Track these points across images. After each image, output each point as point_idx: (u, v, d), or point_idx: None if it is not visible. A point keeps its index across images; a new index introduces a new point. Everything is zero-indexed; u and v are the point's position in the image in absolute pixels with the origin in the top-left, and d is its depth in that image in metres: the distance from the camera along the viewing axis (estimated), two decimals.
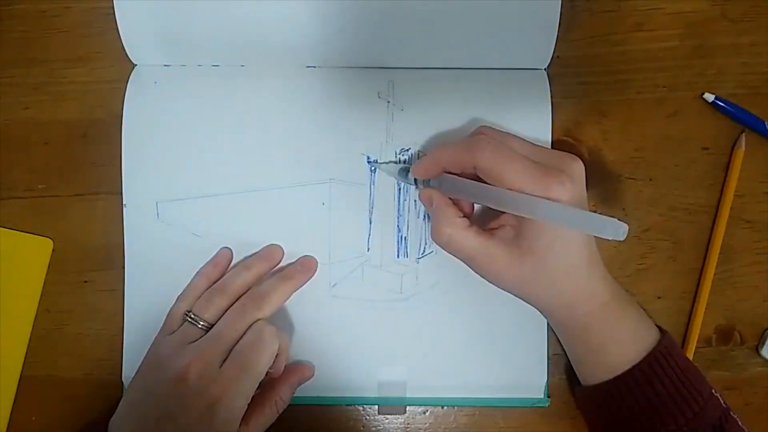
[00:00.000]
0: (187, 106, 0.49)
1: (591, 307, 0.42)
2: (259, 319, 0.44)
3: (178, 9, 0.47)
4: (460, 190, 0.42)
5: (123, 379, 0.49)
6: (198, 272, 0.48)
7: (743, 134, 0.50)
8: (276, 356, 0.44)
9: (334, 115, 0.49)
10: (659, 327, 0.44)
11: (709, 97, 0.50)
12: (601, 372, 0.43)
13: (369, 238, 0.49)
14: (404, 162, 0.48)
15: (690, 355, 0.49)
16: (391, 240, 0.49)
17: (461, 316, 0.48)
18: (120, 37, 0.48)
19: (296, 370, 0.47)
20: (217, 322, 0.44)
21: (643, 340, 0.43)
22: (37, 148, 0.51)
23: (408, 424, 0.50)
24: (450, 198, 0.44)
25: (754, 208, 0.50)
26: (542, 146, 0.43)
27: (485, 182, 0.41)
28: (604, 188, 0.50)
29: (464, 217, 0.43)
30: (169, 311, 0.46)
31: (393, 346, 0.49)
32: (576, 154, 0.50)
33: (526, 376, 0.49)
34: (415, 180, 0.46)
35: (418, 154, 0.48)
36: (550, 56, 0.49)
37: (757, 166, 0.50)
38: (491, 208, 0.42)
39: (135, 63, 0.50)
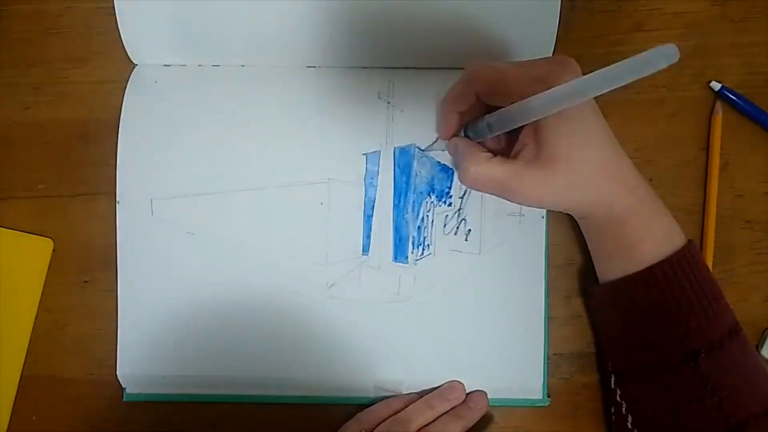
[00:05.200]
0: (186, 105, 0.49)
1: (629, 201, 0.42)
2: None
3: (179, 9, 0.48)
4: (499, 121, 0.42)
5: (118, 377, 0.49)
6: (383, 401, 0.48)
7: (717, 102, 0.50)
8: None
9: (334, 115, 0.49)
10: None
11: (716, 85, 0.50)
12: (631, 267, 0.43)
13: (367, 239, 0.49)
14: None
15: None
16: (389, 241, 0.49)
17: (459, 317, 0.48)
18: (120, 37, 0.48)
19: None
20: None
21: (674, 241, 0.43)
22: (37, 148, 0.51)
23: None
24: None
25: (754, 208, 0.50)
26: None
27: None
28: None
29: (487, 152, 0.43)
30: (344, 426, 0.47)
31: (390, 347, 0.49)
32: None
33: (523, 378, 0.49)
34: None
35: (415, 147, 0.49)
36: (550, 56, 0.48)
37: (758, 165, 0.50)
38: (507, 137, 0.43)
39: (135, 63, 0.50)
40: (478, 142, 0.45)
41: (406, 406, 0.47)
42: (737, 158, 0.50)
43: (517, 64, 0.42)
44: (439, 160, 0.48)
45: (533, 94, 0.37)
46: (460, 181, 0.44)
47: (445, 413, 0.47)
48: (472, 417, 0.48)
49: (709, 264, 0.49)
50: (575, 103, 0.36)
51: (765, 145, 0.50)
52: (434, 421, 0.47)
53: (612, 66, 0.33)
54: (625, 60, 0.32)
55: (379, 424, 0.47)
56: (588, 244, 0.47)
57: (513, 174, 0.41)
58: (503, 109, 0.41)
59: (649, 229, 0.43)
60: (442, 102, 0.47)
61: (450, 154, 0.48)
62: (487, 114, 0.43)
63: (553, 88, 0.36)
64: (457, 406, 0.48)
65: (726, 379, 0.41)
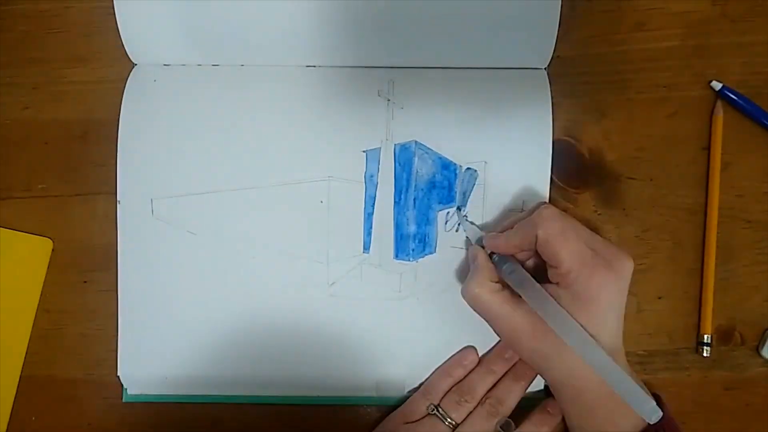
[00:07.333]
0: (185, 104, 0.49)
1: (600, 392, 0.42)
2: None
3: (178, 9, 0.48)
4: (517, 283, 0.43)
5: (119, 378, 0.49)
6: (443, 369, 0.49)
7: (718, 102, 0.50)
8: None
9: (334, 112, 0.49)
10: (656, 395, 0.43)
11: (717, 85, 0.50)
12: None
13: (368, 237, 0.49)
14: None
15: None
16: (390, 239, 0.49)
17: (460, 315, 0.48)
18: (120, 37, 0.48)
19: None
20: (462, 421, 0.46)
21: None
22: (36, 148, 0.51)
23: None
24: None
25: (754, 208, 0.50)
26: (599, 237, 0.43)
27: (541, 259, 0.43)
28: (604, 188, 0.50)
29: (498, 282, 0.44)
30: (410, 399, 0.48)
31: (391, 345, 0.49)
32: (576, 154, 0.50)
33: None
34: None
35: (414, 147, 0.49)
36: (551, 56, 0.49)
37: (759, 165, 0.50)
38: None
39: (135, 63, 0.50)
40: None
41: (467, 373, 0.48)
42: (738, 158, 0.50)
43: (581, 235, 0.42)
44: (440, 156, 0.48)
45: (574, 277, 0.40)
46: (461, 291, 0.44)
47: (507, 377, 0.48)
48: (531, 376, 0.48)
49: (711, 264, 0.49)
50: (578, 354, 0.40)
51: (766, 145, 0.50)
52: (497, 384, 0.48)
53: (621, 374, 0.38)
54: (631, 383, 0.38)
55: (444, 394, 0.47)
56: (566, 418, 0.46)
57: (509, 319, 0.43)
58: (531, 285, 0.42)
59: (617, 418, 0.42)
60: (509, 232, 0.45)
61: (468, 256, 0.47)
62: (518, 263, 0.44)
63: (572, 332, 0.40)
64: (515, 364, 0.48)
65: None
